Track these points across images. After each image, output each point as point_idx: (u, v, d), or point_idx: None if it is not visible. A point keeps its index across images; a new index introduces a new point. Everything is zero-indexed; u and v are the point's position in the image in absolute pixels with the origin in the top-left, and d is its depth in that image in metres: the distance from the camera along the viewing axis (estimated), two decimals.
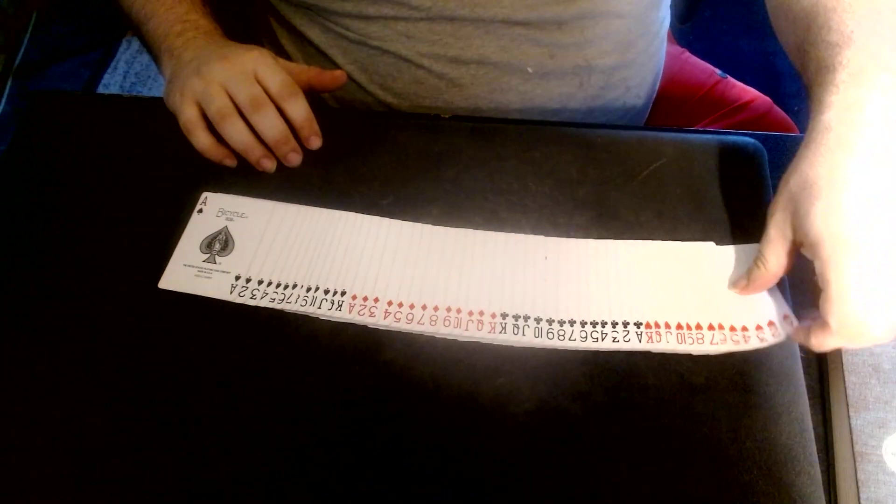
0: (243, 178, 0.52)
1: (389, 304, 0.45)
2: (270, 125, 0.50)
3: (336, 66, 0.62)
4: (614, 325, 0.44)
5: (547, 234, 0.48)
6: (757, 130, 0.54)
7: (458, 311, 0.45)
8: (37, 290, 0.48)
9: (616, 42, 0.61)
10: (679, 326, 0.44)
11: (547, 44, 0.58)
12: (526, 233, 0.48)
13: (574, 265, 0.47)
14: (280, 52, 0.66)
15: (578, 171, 0.51)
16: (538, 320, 0.44)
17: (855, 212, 0.36)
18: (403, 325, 0.44)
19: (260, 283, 0.47)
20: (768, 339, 0.43)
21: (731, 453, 0.40)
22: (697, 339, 0.43)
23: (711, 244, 0.47)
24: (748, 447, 0.40)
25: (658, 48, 0.68)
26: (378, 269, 0.47)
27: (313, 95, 0.67)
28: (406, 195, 0.51)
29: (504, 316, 0.45)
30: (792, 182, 0.39)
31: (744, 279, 0.44)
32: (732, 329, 0.43)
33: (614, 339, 0.43)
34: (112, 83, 1.58)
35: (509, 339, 0.44)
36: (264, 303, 0.46)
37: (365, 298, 0.46)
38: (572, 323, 0.44)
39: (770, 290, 0.44)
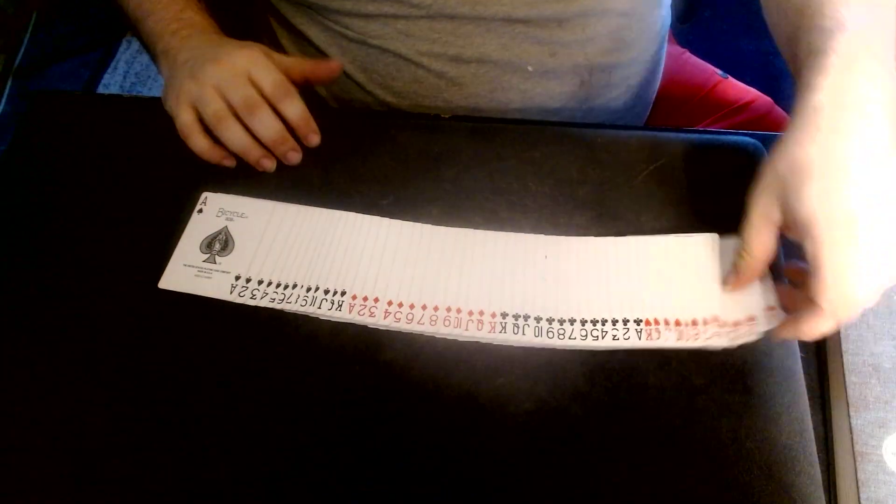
0: (243, 178, 0.52)
1: (389, 304, 0.45)
2: (266, 126, 0.50)
3: None
4: (614, 322, 0.44)
5: (547, 234, 0.48)
6: (758, 131, 0.54)
7: (458, 310, 0.45)
8: (37, 290, 0.48)
9: (617, 41, 0.61)
10: (678, 323, 0.44)
11: (548, 42, 0.58)
12: (526, 233, 0.48)
13: (574, 263, 0.47)
14: (280, 51, 0.66)
15: (578, 171, 0.51)
16: (538, 319, 0.44)
17: (849, 192, 0.36)
18: (403, 325, 0.44)
19: (260, 283, 0.47)
20: (761, 329, 0.43)
21: (731, 453, 0.40)
22: (693, 335, 0.43)
23: (714, 235, 0.47)
24: (748, 447, 0.40)
25: (658, 47, 0.68)
26: (378, 269, 0.47)
27: (312, 92, 0.67)
28: (406, 195, 0.51)
29: (504, 315, 0.45)
30: (780, 165, 0.39)
31: (731, 275, 0.44)
32: (726, 323, 0.43)
33: (614, 337, 0.43)
34: (112, 83, 1.58)
35: (509, 338, 0.44)
36: (264, 303, 0.46)
37: (365, 298, 0.46)
38: (572, 321, 0.44)
39: (761, 280, 0.44)
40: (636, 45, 0.63)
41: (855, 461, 0.39)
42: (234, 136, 0.50)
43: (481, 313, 0.45)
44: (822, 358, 0.45)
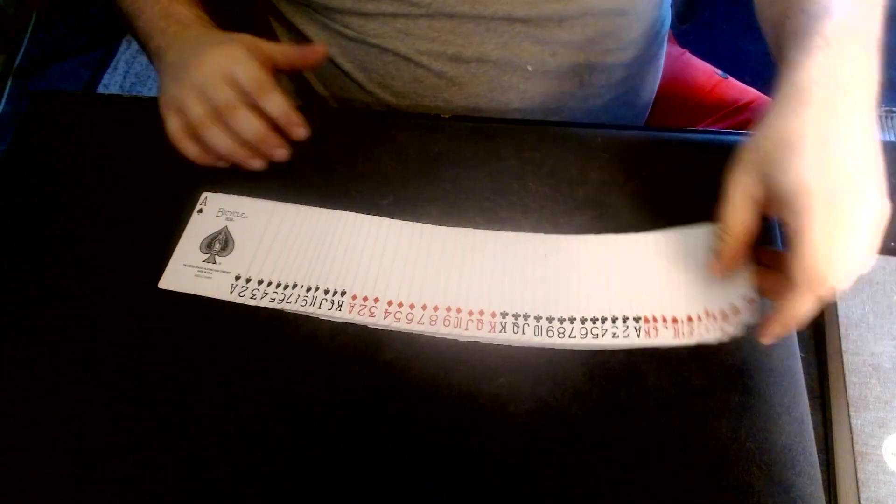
0: (243, 178, 0.52)
1: (389, 304, 0.45)
2: (246, 127, 0.49)
3: (335, 64, 0.62)
4: (614, 320, 0.44)
5: (546, 234, 0.48)
6: None
7: (458, 310, 0.45)
8: (37, 290, 0.48)
9: (617, 40, 0.61)
10: (675, 320, 0.43)
11: (548, 42, 0.58)
12: (525, 232, 0.48)
13: (573, 261, 0.47)
14: None
15: (578, 171, 0.51)
16: (538, 318, 0.44)
17: (836, 166, 0.36)
18: (403, 325, 0.44)
19: (260, 283, 0.47)
20: (746, 321, 0.42)
21: (731, 453, 0.40)
22: (689, 331, 0.43)
23: (704, 226, 0.46)
24: (748, 447, 0.40)
25: (658, 47, 0.68)
26: (378, 269, 0.47)
27: (312, 92, 0.67)
28: (406, 195, 0.51)
29: (504, 315, 0.45)
30: (763, 141, 0.39)
31: (712, 260, 0.43)
32: (715, 316, 0.43)
33: (614, 335, 0.43)
34: (112, 83, 1.58)
35: (509, 338, 0.44)
36: (264, 303, 0.46)
37: (365, 298, 0.46)
38: (572, 320, 0.44)
39: (744, 268, 0.43)
40: (636, 45, 0.63)
41: (855, 461, 0.39)
42: (217, 140, 0.49)
43: (481, 313, 0.45)
44: (822, 358, 0.45)
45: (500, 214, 0.49)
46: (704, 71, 0.78)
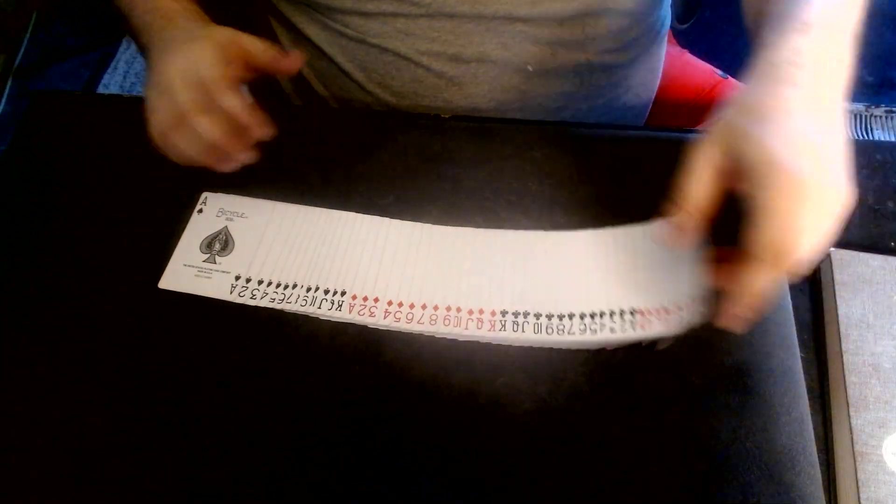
0: (243, 178, 0.52)
1: (389, 303, 0.45)
2: (203, 132, 0.47)
3: (335, 64, 0.62)
4: (612, 315, 0.44)
5: (545, 231, 0.48)
6: None
7: (458, 309, 0.45)
8: (37, 290, 0.48)
9: (617, 40, 0.61)
10: (666, 311, 0.43)
11: (548, 42, 0.58)
12: (522, 230, 0.48)
13: (571, 256, 0.47)
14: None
15: (578, 171, 0.51)
16: (538, 316, 0.44)
17: (804, 140, 0.36)
18: (403, 325, 0.44)
19: (260, 283, 0.47)
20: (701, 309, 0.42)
21: (731, 453, 0.40)
22: (677, 322, 0.42)
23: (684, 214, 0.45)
24: (748, 447, 0.40)
25: (658, 47, 0.68)
26: (378, 268, 0.47)
27: (312, 92, 0.67)
28: (406, 195, 0.51)
29: (504, 313, 0.45)
30: (732, 114, 0.39)
31: (667, 230, 0.41)
32: (684, 304, 0.43)
33: (612, 330, 0.43)
34: (112, 83, 1.58)
35: (509, 336, 0.44)
36: (264, 303, 0.46)
37: (365, 298, 0.46)
38: (571, 316, 0.44)
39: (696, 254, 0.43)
40: (636, 45, 0.63)
41: (855, 461, 0.39)
42: (182, 145, 0.47)
43: (481, 312, 0.45)
44: (822, 358, 0.45)
45: (500, 214, 0.49)
46: (704, 71, 0.78)
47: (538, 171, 0.52)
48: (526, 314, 0.44)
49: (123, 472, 0.41)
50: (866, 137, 1.44)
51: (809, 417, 0.41)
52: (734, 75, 0.77)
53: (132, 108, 0.58)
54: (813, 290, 0.48)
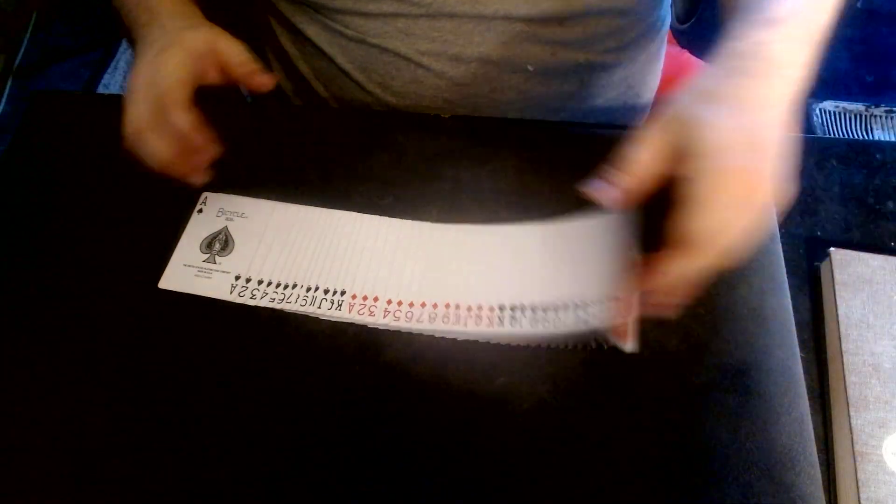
0: (243, 178, 0.52)
1: (389, 302, 0.45)
2: (153, 152, 0.46)
3: (335, 64, 0.62)
4: (601, 303, 0.44)
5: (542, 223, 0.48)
6: None
7: (458, 306, 0.45)
8: (37, 290, 0.48)
9: (617, 40, 0.61)
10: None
11: (548, 41, 0.58)
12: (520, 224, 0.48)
13: (568, 249, 0.46)
14: (280, 51, 0.66)
15: (578, 172, 0.51)
16: (534, 309, 0.44)
17: (750, 127, 0.36)
18: (403, 324, 0.44)
19: (260, 283, 0.47)
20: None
21: (731, 453, 0.40)
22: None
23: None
24: (748, 447, 0.40)
25: (658, 47, 0.68)
26: (377, 267, 0.47)
27: (312, 92, 0.67)
28: (406, 195, 0.51)
29: (502, 308, 0.45)
30: (685, 96, 0.39)
31: (602, 185, 0.41)
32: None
33: (599, 319, 0.43)
34: (112, 83, 1.58)
35: (508, 331, 0.44)
36: (264, 303, 0.46)
37: (365, 298, 0.46)
38: (566, 308, 0.44)
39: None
40: (636, 45, 0.63)
41: (855, 461, 0.39)
42: (146, 158, 0.46)
43: (480, 308, 0.45)
44: (822, 358, 0.45)
45: (500, 214, 0.49)
46: None
47: (538, 171, 0.51)
48: (523, 308, 0.44)
49: (123, 472, 0.41)
50: (866, 137, 1.44)
51: (809, 417, 0.41)
52: None
53: None
54: (813, 290, 0.48)
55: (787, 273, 0.47)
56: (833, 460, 0.41)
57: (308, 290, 0.46)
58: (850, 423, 0.40)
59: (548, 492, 0.40)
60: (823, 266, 0.48)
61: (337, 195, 0.51)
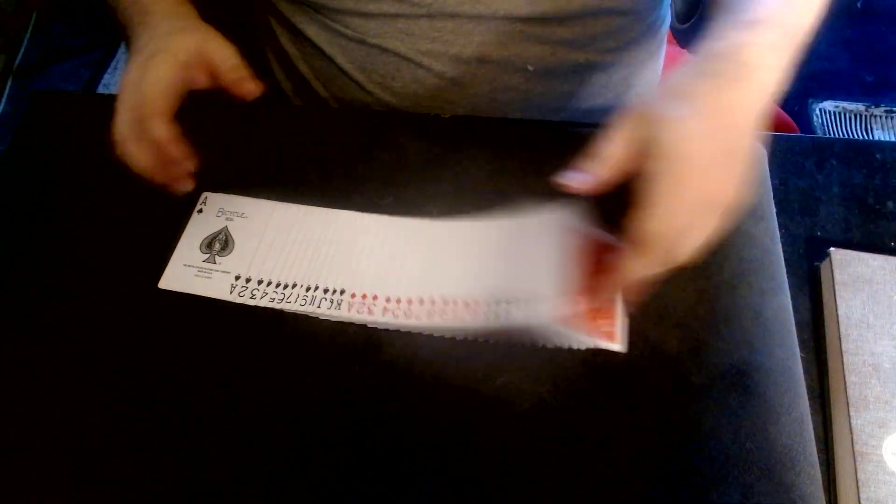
0: (243, 178, 0.52)
1: (388, 300, 0.45)
2: (133, 160, 0.46)
3: (335, 64, 0.62)
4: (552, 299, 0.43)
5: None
6: None
7: (455, 302, 0.45)
8: (37, 290, 0.48)
9: (617, 40, 0.61)
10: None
11: (548, 41, 0.58)
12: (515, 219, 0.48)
13: (520, 244, 0.46)
14: (280, 51, 0.66)
15: None
16: (528, 302, 0.44)
17: (713, 129, 0.36)
18: (402, 321, 0.44)
19: (260, 282, 0.47)
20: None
21: (731, 453, 0.40)
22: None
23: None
24: (748, 447, 0.40)
25: (658, 47, 0.68)
26: (376, 265, 0.47)
27: (312, 92, 0.67)
28: (406, 195, 0.51)
29: (497, 303, 0.44)
30: (659, 93, 0.39)
31: (571, 172, 0.40)
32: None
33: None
34: (112, 83, 1.58)
35: (504, 325, 0.43)
36: (264, 303, 0.46)
37: (364, 296, 0.46)
38: (517, 302, 0.44)
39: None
40: (636, 44, 0.63)
41: (855, 461, 0.39)
42: (134, 167, 0.46)
43: (476, 303, 0.45)
44: (822, 358, 0.45)
45: (500, 214, 0.49)
46: None
47: (538, 171, 0.51)
48: (518, 301, 0.44)
49: (123, 472, 0.41)
50: (866, 137, 1.45)
51: (809, 417, 0.41)
52: None
53: None
54: (813, 290, 0.48)
55: (787, 273, 0.47)
56: (833, 460, 0.41)
57: (308, 289, 0.46)
58: (850, 423, 0.40)
59: (548, 492, 0.40)
60: (823, 266, 0.48)
61: (337, 195, 0.51)
